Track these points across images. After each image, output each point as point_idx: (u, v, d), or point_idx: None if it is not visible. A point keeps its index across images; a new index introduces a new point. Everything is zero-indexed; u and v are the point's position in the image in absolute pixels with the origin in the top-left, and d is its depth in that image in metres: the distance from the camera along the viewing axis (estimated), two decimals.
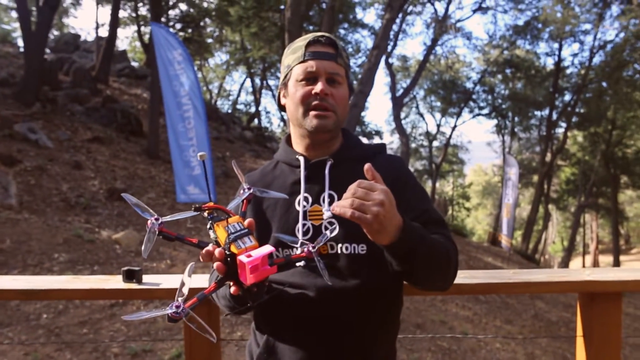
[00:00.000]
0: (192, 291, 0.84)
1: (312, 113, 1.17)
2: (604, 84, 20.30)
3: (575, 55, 30.14)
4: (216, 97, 28.98)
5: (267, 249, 0.90)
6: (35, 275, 5.08)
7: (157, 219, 0.89)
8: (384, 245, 0.98)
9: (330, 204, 1.18)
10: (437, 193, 30.95)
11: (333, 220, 1.16)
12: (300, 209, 1.19)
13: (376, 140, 25.35)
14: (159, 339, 4.23)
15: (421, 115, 30.24)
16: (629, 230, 38.49)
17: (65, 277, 1.68)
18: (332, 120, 1.18)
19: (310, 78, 1.17)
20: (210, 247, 0.93)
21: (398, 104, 21.41)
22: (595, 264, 28.23)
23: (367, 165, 0.96)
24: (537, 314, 8.16)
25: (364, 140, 1.57)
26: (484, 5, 22.01)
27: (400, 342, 5.11)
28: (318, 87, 1.15)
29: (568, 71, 23.69)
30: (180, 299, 0.83)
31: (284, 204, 1.21)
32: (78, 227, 6.49)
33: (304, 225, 1.18)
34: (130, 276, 1.57)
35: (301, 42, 1.20)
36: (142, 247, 0.88)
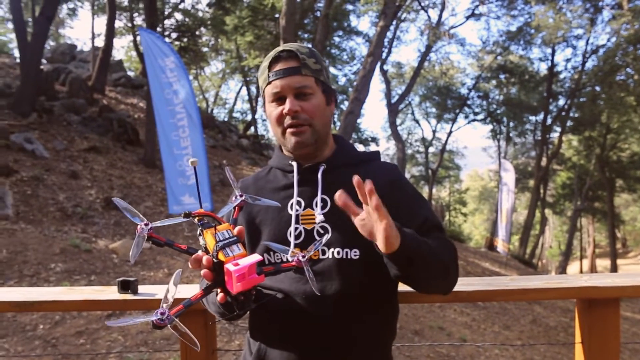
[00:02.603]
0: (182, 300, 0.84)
1: (289, 131, 1.19)
2: (598, 88, 20.40)
3: (568, 60, 30.45)
4: (212, 106, 29.02)
5: (255, 257, 0.89)
6: (31, 285, 5.04)
7: (146, 224, 0.89)
8: (393, 250, 0.96)
9: (322, 207, 1.17)
10: (433, 199, 30.95)
11: (325, 224, 1.16)
12: (292, 212, 1.19)
13: (372, 147, 25.39)
14: (156, 349, 4.19)
15: (417, 121, 30.35)
16: (625, 234, 38.58)
17: (60, 288, 1.67)
18: (308, 134, 1.18)
19: (279, 98, 1.18)
20: (199, 253, 0.93)
21: (393, 110, 21.47)
22: (593, 267, 28.23)
23: (355, 178, 0.92)
24: (535, 319, 8.15)
25: (360, 147, 1.57)
26: (477, 12, 22.17)
27: (399, 349, 5.08)
28: (286, 107, 1.16)
29: (561, 76, 23.86)
30: (165, 305, 0.82)
31: (276, 207, 1.19)
32: (75, 237, 6.46)
33: (296, 229, 1.17)
34: (125, 287, 1.56)
35: (266, 61, 1.20)
36: (130, 252, 0.88)
